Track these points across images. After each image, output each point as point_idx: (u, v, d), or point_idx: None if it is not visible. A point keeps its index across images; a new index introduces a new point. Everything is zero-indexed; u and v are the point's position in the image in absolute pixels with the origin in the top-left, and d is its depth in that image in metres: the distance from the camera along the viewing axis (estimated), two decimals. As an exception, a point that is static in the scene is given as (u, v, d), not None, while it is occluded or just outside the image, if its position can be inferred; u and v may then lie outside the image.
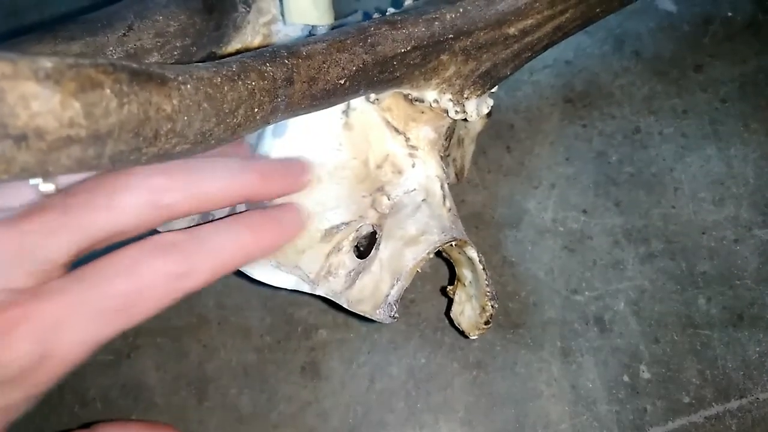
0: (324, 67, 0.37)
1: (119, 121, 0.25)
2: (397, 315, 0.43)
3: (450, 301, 0.52)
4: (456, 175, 0.59)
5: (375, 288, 0.44)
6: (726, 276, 0.59)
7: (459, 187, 0.63)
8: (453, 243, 0.46)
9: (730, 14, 0.70)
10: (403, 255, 0.44)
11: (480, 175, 0.64)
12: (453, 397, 0.57)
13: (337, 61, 0.38)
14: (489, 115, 0.60)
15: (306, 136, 0.49)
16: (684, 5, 0.71)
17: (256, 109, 0.32)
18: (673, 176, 0.63)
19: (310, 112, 0.40)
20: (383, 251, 0.45)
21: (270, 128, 0.50)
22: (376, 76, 0.42)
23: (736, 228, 0.61)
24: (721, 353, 0.57)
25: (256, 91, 0.32)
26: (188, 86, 0.28)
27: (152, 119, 0.26)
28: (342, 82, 0.39)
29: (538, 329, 0.59)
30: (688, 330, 0.58)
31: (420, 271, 0.58)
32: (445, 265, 0.61)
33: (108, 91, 0.24)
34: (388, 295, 0.43)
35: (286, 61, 0.35)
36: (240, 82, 0.31)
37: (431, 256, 0.44)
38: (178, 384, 0.59)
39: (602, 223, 0.62)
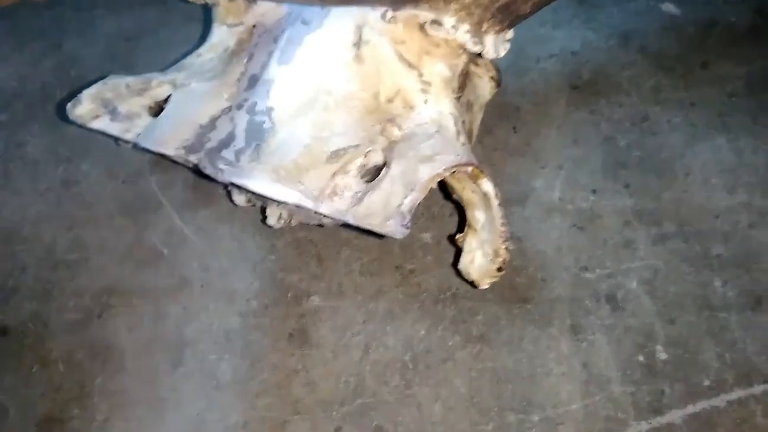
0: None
1: None
2: (409, 225, 0.39)
3: (458, 253, 0.49)
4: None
5: (386, 202, 0.40)
6: (741, 259, 0.57)
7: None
8: (469, 169, 0.43)
9: (732, 19, 0.71)
10: (417, 169, 0.41)
11: (485, 153, 0.62)
12: (454, 372, 0.52)
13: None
14: (499, 84, 0.59)
15: (313, 66, 0.47)
16: (687, 9, 0.72)
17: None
18: (683, 162, 0.61)
19: (325, 3, 0.38)
20: (395, 169, 0.42)
21: (276, 55, 0.48)
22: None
23: (751, 214, 0.59)
24: (741, 336, 0.53)
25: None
26: None
27: None
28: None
29: (546, 305, 0.55)
30: (704, 312, 0.54)
31: (422, 239, 0.55)
32: (446, 240, 0.57)
33: None
34: (400, 205, 0.39)
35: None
36: None
37: (447, 173, 0.41)
38: (152, 347, 0.53)
39: (612, 204, 0.59)
